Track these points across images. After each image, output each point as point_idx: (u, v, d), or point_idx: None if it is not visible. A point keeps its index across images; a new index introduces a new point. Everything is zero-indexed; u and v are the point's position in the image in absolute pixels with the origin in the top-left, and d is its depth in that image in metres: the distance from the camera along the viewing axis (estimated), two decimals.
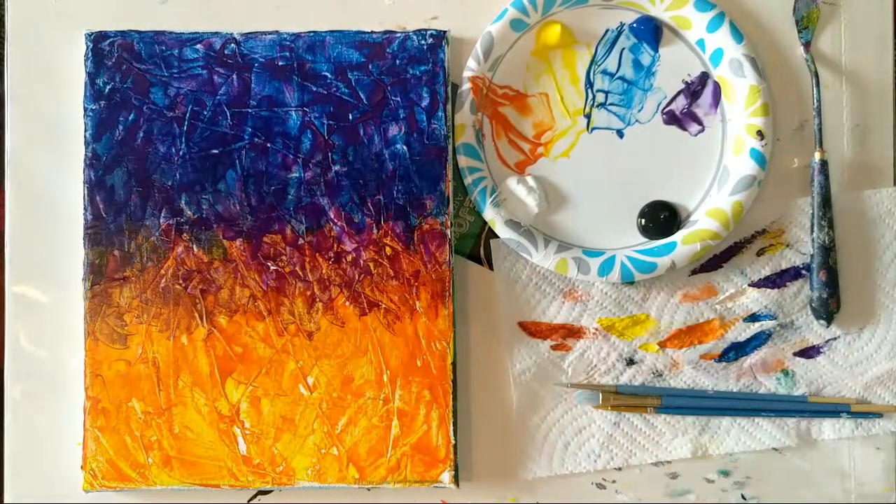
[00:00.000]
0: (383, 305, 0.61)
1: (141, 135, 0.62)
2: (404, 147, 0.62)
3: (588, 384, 0.63)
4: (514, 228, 0.62)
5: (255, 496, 0.63)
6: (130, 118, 0.62)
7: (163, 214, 0.61)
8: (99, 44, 0.62)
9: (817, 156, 0.62)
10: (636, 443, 0.63)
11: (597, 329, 0.63)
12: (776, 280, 0.63)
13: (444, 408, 0.61)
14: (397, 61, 0.62)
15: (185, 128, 0.62)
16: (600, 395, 0.62)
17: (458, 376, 0.62)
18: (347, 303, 0.61)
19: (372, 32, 0.62)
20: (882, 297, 0.64)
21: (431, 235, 0.61)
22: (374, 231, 0.62)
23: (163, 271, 0.61)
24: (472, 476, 0.63)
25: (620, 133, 0.64)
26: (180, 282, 0.61)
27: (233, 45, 0.62)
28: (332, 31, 0.62)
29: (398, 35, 0.62)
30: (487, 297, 0.63)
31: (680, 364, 0.63)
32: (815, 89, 0.63)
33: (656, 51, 0.64)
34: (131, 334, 0.61)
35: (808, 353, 0.64)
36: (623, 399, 0.63)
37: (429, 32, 0.62)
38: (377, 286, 0.61)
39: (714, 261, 0.64)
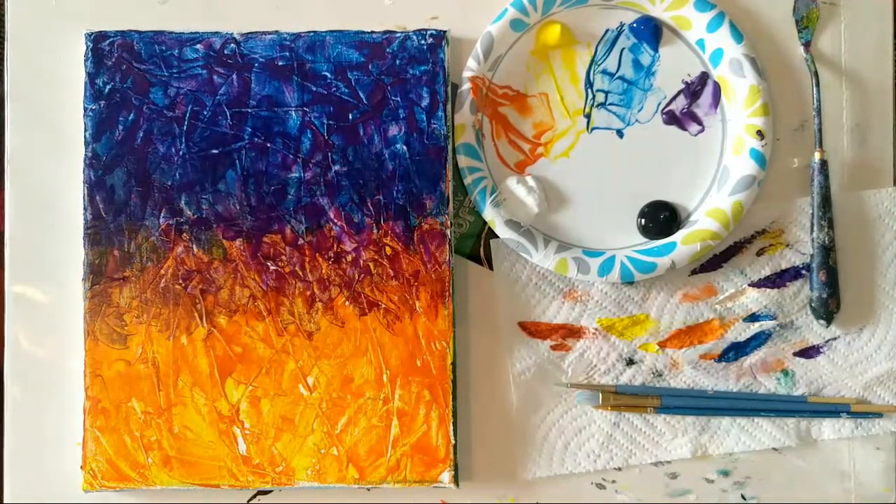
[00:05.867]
0: (383, 305, 0.61)
1: (141, 135, 0.62)
2: (404, 147, 0.62)
3: (588, 384, 0.63)
4: (514, 228, 0.62)
5: (254, 496, 0.63)
6: (130, 118, 0.62)
7: (163, 214, 0.61)
8: (99, 44, 0.62)
9: (817, 156, 0.62)
10: (636, 443, 0.63)
11: (597, 329, 0.63)
12: (776, 280, 0.63)
13: (444, 408, 0.61)
14: (397, 61, 0.62)
15: (184, 128, 0.62)
16: (600, 395, 0.62)
17: (457, 376, 0.62)
18: (347, 303, 0.61)
19: (372, 32, 0.62)
20: (882, 297, 0.64)
21: (431, 235, 0.61)
22: (374, 231, 0.62)
23: (163, 271, 0.61)
24: (471, 476, 0.63)
25: (620, 133, 0.64)
26: (180, 282, 0.61)
27: (233, 45, 0.62)
28: (332, 31, 0.62)
29: (398, 35, 0.62)
30: (487, 297, 0.63)
31: (680, 364, 0.63)
32: (815, 89, 0.63)
33: (656, 51, 0.64)
34: (131, 334, 0.61)
35: (808, 353, 0.64)
36: (623, 399, 0.63)
37: (429, 32, 0.62)
38: (377, 286, 0.61)
39: (714, 261, 0.64)
